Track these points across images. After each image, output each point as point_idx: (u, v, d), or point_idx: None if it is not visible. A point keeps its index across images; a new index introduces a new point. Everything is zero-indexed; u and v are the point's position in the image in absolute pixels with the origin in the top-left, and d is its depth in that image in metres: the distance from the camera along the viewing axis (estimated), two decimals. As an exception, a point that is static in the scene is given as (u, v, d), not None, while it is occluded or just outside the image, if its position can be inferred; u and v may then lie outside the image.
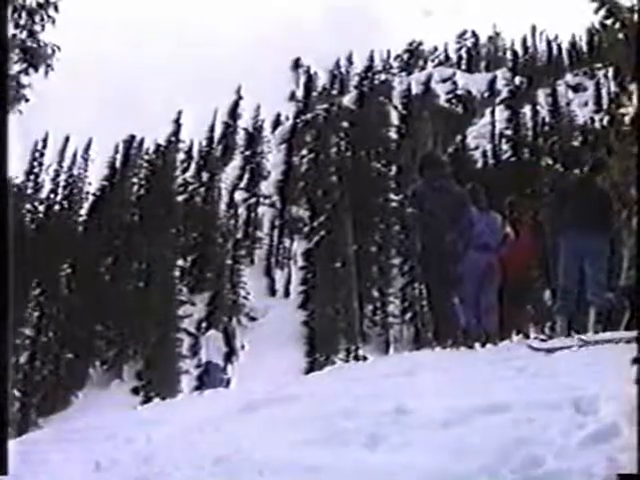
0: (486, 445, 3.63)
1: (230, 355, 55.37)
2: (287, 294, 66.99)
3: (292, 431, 4.78)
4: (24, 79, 18.44)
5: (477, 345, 9.53)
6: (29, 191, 71.37)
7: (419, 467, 3.58)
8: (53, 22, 17.77)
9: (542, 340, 8.96)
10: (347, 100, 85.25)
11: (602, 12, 16.63)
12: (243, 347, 58.63)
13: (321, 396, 6.07)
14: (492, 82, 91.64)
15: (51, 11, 17.96)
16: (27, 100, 17.51)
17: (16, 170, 61.57)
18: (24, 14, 18.08)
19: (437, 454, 3.73)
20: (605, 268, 10.17)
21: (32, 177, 74.39)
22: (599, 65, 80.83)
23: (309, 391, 6.57)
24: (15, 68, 18.99)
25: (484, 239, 10.71)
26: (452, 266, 9.87)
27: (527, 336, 11.27)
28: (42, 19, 17.80)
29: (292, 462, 3.95)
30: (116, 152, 73.64)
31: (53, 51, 17.83)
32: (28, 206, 64.45)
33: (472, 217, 10.30)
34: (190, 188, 72.72)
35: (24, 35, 17.63)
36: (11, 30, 18.98)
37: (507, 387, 5.13)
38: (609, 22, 16.58)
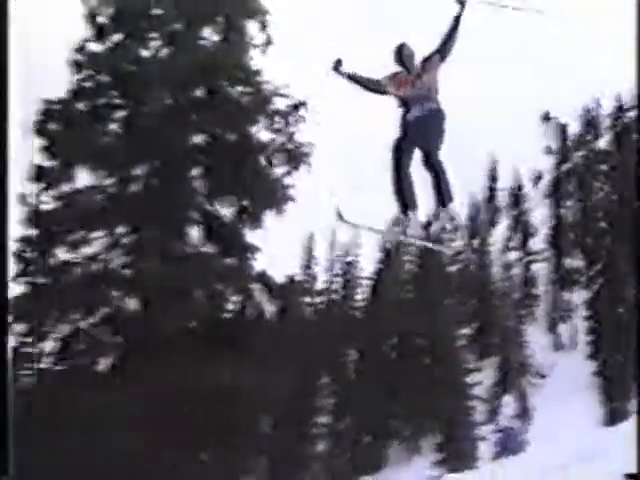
0: None
1: (524, 416, 54.74)
2: (573, 346, 65.57)
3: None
4: (288, 180, 19.44)
5: None
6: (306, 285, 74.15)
7: None
8: (304, 121, 18.82)
9: None
10: (603, 143, 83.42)
11: None
12: (535, 407, 57.75)
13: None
14: None
15: (302, 111, 19.05)
16: (293, 200, 18.50)
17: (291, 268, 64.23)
18: (277, 117, 19.20)
19: None
20: None
21: (307, 270, 77.29)
22: None
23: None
24: (278, 172, 19.99)
25: None
26: None
27: None
28: (296, 120, 18.89)
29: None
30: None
31: (310, 150, 18.82)
32: (307, 299, 66.84)
33: None
34: (461, 257, 72.97)
35: (284, 138, 18.71)
36: (270, 135, 20.17)
37: None
38: None
